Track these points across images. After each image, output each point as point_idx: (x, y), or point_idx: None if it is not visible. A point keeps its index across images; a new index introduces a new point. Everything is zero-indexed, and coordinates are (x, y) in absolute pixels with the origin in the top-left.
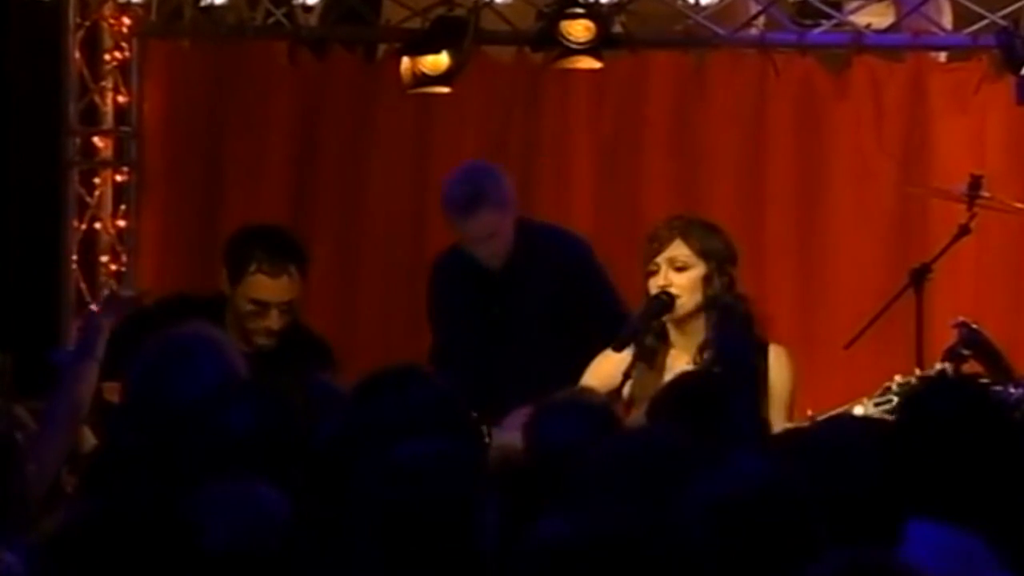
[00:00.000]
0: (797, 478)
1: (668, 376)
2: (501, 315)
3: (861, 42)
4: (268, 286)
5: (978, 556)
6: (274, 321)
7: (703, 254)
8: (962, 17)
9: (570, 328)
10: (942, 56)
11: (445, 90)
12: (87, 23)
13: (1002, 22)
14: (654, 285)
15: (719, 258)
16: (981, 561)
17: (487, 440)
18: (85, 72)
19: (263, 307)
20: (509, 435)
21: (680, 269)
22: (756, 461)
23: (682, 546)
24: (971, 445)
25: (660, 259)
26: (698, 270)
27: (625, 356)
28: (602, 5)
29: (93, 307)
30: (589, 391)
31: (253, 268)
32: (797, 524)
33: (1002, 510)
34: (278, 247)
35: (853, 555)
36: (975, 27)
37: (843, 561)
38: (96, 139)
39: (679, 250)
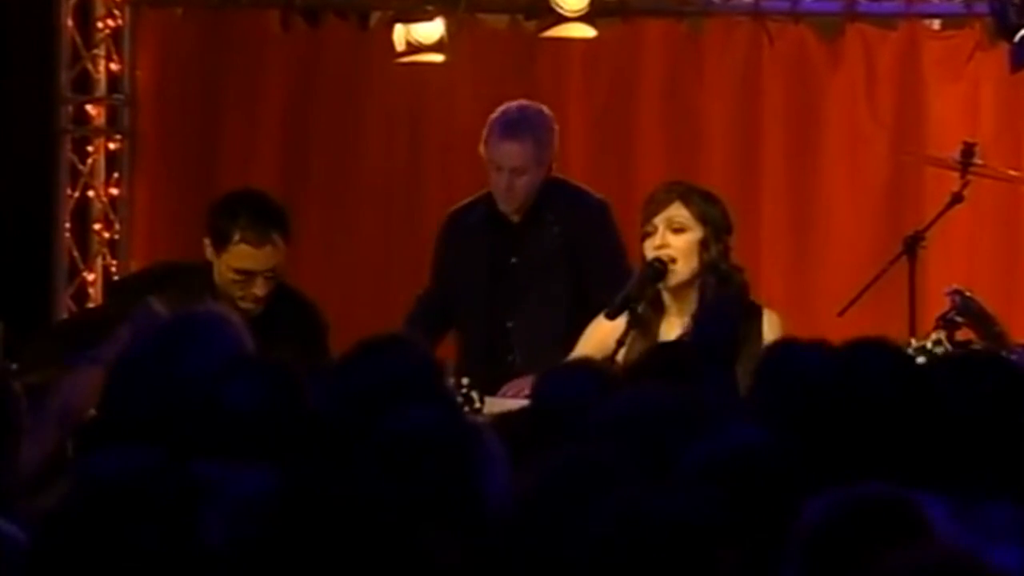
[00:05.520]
0: (793, 445)
1: None
2: (518, 265)
3: (854, 9)
4: (253, 255)
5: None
6: (260, 288)
7: (701, 218)
8: None
9: (580, 284)
10: (936, 23)
11: (438, 58)
12: None
13: None
14: (650, 247)
15: (716, 225)
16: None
17: (479, 406)
18: (78, 40)
19: (248, 276)
20: (502, 402)
21: (678, 231)
22: (752, 428)
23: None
24: (898, 407)
25: (658, 220)
26: (695, 233)
27: (619, 323)
28: None
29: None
30: (594, 360)
31: (237, 238)
32: (791, 491)
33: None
34: (261, 215)
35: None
36: None
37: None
38: (89, 107)
39: (678, 211)
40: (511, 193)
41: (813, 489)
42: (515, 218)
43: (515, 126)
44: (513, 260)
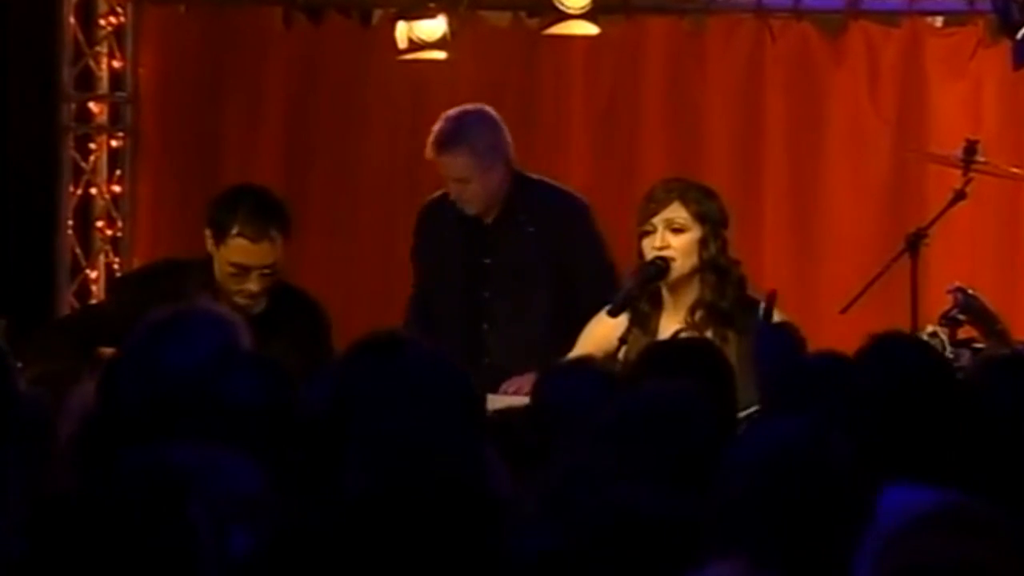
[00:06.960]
0: (840, 438)
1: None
2: (492, 265)
3: (857, 7)
4: (249, 250)
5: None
6: (254, 283)
7: (700, 217)
8: None
9: (560, 284)
10: (938, 20)
11: (441, 56)
12: None
13: None
14: (649, 246)
15: (714, 221)
16: None
17: None
18: (80, 37)
19: (244, 270)
20: (503, 399)
21: (677, 231)
22: (794, 422)
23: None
24: (923, 400)
25: (657, 220)
26: (694, 233)
27: (620, 321)
28: None
29: None
30: (594, 359)
31: (235, 231)
32: (841, 484)
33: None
34: (260, 210)
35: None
36: None
37: None
38: (91, 104)
39: (677, 212)
40: (463, 200)
41: (862, 485)
42: (487, 218)
43: (448, 138)
44: (487, 261)
